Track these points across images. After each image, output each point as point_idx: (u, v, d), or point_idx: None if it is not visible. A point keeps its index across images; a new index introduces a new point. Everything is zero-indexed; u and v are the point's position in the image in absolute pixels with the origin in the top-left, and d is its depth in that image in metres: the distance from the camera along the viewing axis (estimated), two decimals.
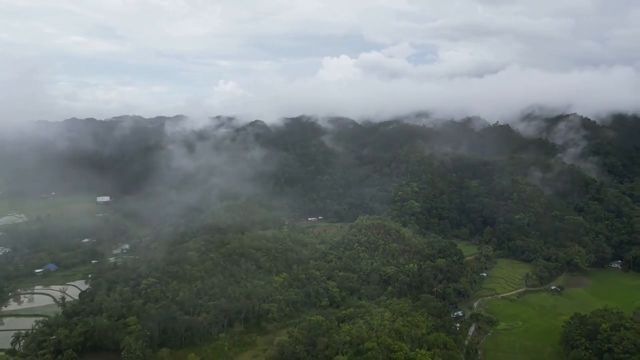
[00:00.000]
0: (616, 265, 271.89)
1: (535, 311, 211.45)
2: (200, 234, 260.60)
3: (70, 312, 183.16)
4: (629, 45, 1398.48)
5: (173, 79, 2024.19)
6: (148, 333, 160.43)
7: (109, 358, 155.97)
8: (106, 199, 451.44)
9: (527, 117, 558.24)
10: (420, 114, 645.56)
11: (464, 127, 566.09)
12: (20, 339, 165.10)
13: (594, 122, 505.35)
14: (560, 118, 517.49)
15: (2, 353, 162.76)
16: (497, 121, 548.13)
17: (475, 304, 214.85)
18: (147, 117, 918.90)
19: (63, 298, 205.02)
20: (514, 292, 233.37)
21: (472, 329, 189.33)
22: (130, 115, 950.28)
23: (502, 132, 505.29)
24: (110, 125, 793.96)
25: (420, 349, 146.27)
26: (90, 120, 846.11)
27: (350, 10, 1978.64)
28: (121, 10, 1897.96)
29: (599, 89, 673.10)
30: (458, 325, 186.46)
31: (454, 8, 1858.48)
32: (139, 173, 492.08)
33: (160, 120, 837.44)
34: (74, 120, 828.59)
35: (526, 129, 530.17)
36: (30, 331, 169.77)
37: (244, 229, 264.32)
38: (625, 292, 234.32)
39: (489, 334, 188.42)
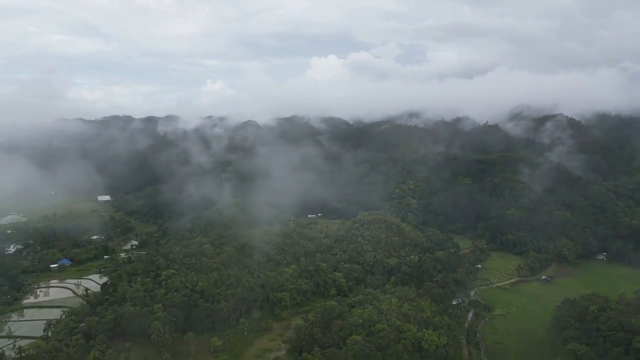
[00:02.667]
0: (601, 257, 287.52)
1: (528, 299, 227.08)
2: (208, 230, 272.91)
3: (94, 302, 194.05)
4: (613, 46, 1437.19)
5: (160, 78, 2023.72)
6: (173, 319, 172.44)
7: (137, 342, 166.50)
8: (107, 197, 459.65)
9: (515, 117, 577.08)
10: (412, 114, 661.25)
11: (454, 127, 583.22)
12: (51, 326, 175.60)
13: (579, 122, 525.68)
14: (547, 118, 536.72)
15: (33, 340, 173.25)
16: (487, 121, 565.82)
17: (472, 293, 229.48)
18: (137, 117, 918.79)
19: (86, 289, 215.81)
20: (507, 282, 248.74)
21: (470, 314, 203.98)
22: (121, 115, 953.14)
23: (492, 132, 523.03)
24: (104, 125, 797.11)
25: (427, 330, 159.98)
26: (80, 120, 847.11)
27: (337, 11, 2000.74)
28: (106, 9, 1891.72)
29: (584, 90, 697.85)
30: (458, 311, 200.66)
31: (441, 9, 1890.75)
32: (138, 172, 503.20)
33: (152, 121, 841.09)
34: (64, 120, 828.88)
35: (514, 129, 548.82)
36: (59, 320, 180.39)
37: (249, 225, 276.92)
38: (610, 281, 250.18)
39: (486, 319, 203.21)
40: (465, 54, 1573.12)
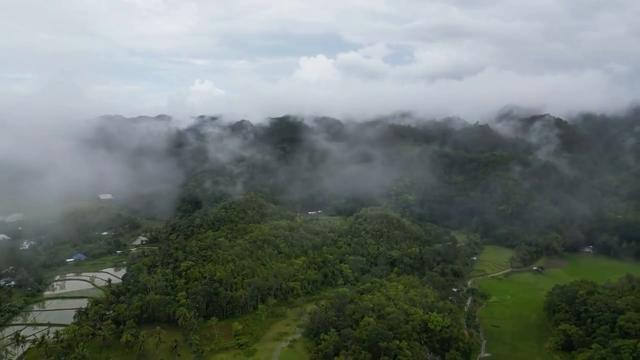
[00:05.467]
0: (588, 250, 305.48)
1: (521, 287, 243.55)
2: (216, 225, 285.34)
3: (117, 292, 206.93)
4: (597, 48, 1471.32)
5: (147, 77, 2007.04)
6: (197, 306, 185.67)
7: (163, 327, 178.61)
8: (108, 196, 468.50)
9: (505, 117, 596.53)
10: (404, 115, 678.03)
11: (445, 127, 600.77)
12: (81, 314, 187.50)
13: (566, 122, 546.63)
14: (535, 118, 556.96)
15: (62, 327, 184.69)
16: (477, 121, 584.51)
17: (469, 282, 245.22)
18: (128, 116, 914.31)
19: (109, 280, 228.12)
20: (501, 272, 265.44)
21: (469, 301, 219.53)
22: (112, 114, 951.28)
23: (482, 132, 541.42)
24: (97, 124, 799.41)
25: (432, 313, 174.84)
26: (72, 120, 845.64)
27: (326, 10, 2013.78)
28: (92, 8, 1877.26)
29: (570, 91, 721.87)
30: (457, 298, 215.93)
31: (429, 10, 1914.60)
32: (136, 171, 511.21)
33: (144, 120, 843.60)
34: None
35: (504, 128, 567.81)
36: (87, 308, 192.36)
37: (255, 220, 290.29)
38: (597, 271, 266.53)
39: (483, 305, 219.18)
40: (453, 54, 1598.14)
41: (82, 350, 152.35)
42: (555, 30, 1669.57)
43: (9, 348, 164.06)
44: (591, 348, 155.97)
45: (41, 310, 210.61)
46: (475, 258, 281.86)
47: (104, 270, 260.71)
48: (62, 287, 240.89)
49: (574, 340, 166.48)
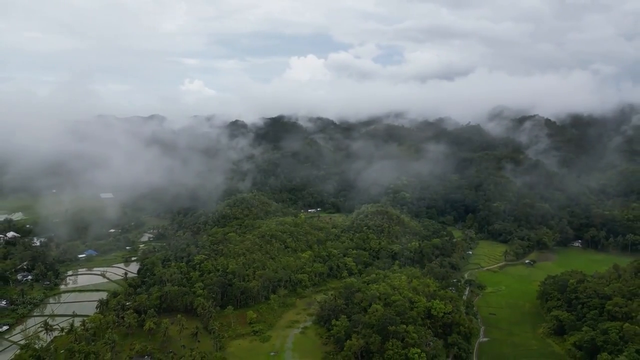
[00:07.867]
0: (577, 244, 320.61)
1: (515, 279, 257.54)
2: (222, 222, 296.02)
3: (134, 285, 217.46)
4: (585, 49, 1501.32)
5: (137, 77, 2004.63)
6: (213, 296, 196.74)
7: (182, 316, 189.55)
8: (109, 195, 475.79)
9: (496, 117, 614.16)
10: (397, 115, 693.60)
11: (438, 127, 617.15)
12: (102, 305, 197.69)
13: (554, 122, 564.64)
14: (525, 118, 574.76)
15: (83, 317, 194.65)
16: (469, 121, 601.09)
17: (466, 275, 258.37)
18: (120, 116, 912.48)
19: (126, 273, 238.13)
20: (495, 265, 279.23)
21: (466, 291, 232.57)
22: (106, 114, 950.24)
23: (474, 132, 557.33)
24: (92, 123, 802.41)
25: (434, 300, 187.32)
26: (66, 119, 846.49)
27: (316, 10, 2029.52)
28: (81, 7, 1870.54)
29: (559, 92, 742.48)
30: (456, 288, 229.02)
31: (419, 11, 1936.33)
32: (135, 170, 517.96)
33: (138, 120, 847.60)
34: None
35: (495, 128, 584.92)
36: (108, 299, 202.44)
37: (259, 217, 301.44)
38: (585, 264, 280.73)
39: (480, 295, 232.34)
40: (443, 55, 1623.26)
41: (112, 335, 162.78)
42: (544, 32, 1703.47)
43: (40, 335, 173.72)
44: (582, 331, 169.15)
45: (60, 303, 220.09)
46: (470, 252, 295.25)
47: (115, 265, 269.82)
48: (75, 281, 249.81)
49: (566, 325, 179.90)
